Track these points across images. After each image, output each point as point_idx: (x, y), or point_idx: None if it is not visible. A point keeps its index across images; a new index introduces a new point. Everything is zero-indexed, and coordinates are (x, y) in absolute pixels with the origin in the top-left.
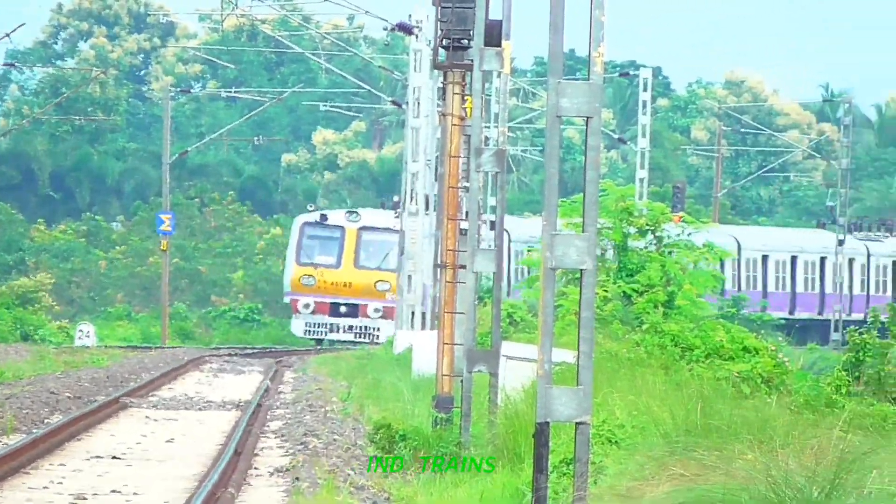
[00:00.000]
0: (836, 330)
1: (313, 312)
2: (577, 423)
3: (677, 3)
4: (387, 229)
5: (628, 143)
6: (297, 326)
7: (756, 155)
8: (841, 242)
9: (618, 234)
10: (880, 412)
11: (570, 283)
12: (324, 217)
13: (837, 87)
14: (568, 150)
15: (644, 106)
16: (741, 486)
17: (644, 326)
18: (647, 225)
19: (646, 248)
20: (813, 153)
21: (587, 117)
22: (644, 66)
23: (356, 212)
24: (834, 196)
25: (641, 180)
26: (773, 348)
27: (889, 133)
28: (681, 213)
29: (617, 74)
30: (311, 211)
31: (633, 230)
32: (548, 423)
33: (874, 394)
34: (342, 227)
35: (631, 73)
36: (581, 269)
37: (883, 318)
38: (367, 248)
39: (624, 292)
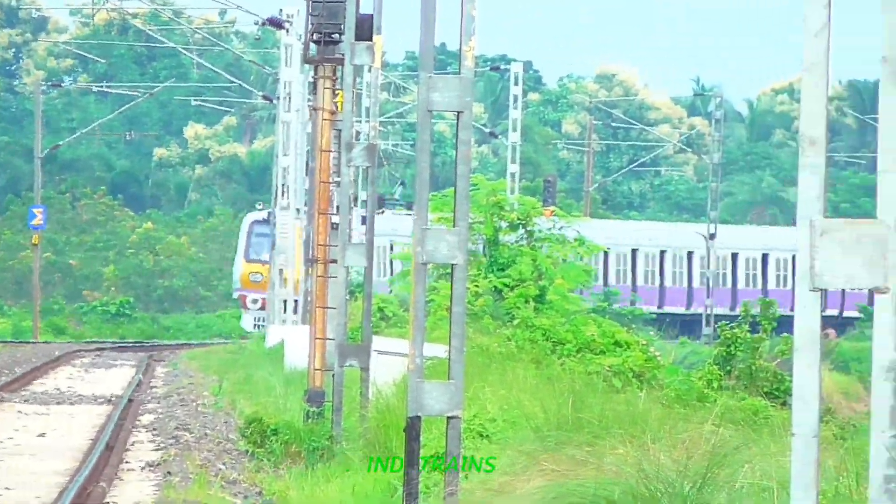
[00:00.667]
0: (707, 324)
1: (261, 308)
2: (448, 418)
3: None
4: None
5: (499, 137)
6: (247, 321)
7: (627, 149)
8: (712, 236)
9: (489, 228)
10: (751, 406)
11: (441, 277)
12: (271, 215)
13: (708, 81)
14: (439, 144)
15: (515, 100)
16: (612, 480)
17: (515, 321)
18: (519, 219)
19: (517, 242)
20: (684, 147)
21: (458, 112)
22: (515, 61)
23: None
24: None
25: (513, 174)
26: (645, 342)
27: (760, 127)
28: (552, 208)
29: (488, 69)
30: (259, 209)
31: (504, 225)
32: (419, 417)
33: (746, 388)
34: None
35: (502, 67)
36: (452, 264)
37: (754, 312)
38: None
39: (495, 287)
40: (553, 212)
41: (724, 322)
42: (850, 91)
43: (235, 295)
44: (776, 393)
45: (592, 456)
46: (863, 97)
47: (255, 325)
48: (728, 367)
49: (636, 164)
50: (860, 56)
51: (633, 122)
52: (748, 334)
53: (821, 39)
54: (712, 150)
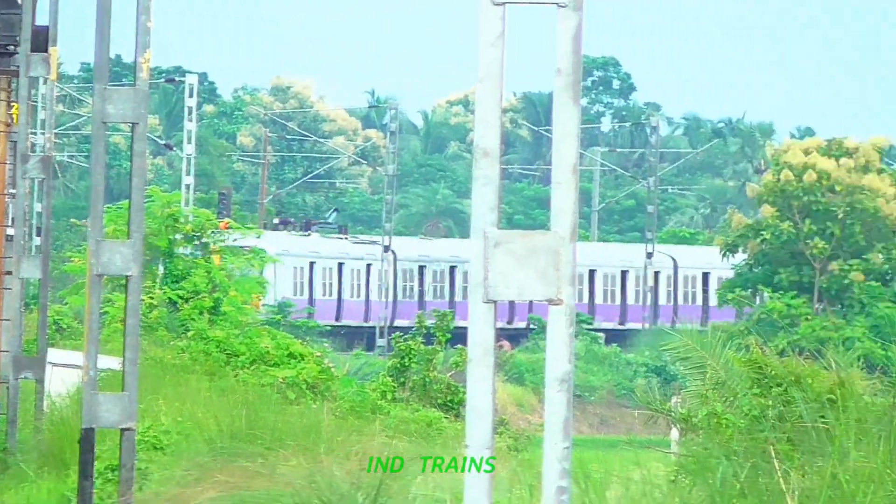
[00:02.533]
0: (381, 336)
1: None
2: (122, 429)
3: (222, 7)
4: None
5: (175, 149)
6: None
7: (302, 161)
8: (386, 249)
9: (164, 240)
10: (425, 418)
11: (115, 289)
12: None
13: (384, 93)
14: (114, 155)
15: (190, 112)
16: (285, 492)
17: (190, 333)
18: (194, 231)
19: (192, 254)
20: (359, 159)
21: (133, 123)
22: (190, 73)
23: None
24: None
25: (188, 186)
26: (319, 354)
27: (435, 139)
28: (227, 220)
29: (163, 81)
30: None
31: (179, 236)
32: (93, 429)
33: (420, 399)
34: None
35: (177, 79)
36: (127, 276)
37: (429, 323)
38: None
39: (170, 299)
40: (228, 224)
41: (398, 333)
42: (524, 103)
43: None
44: (450, 404)
45: (266, 468)
46: (537, 109)
47: None
48: (402, 379)
49: (311, 176)
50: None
51: (308, 134)
52: (423, 346)
53: (495, 50)
54: (387, 162)
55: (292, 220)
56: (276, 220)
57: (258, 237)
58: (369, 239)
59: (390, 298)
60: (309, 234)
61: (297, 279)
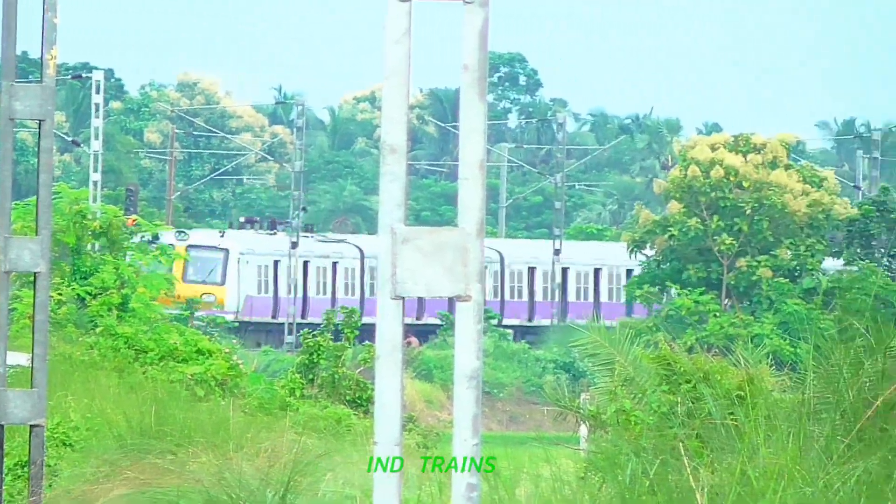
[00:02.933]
0: (290, 333)
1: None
2: (31, 426)
3: (129, 3)
4: (212, 247)
5: (82, 145)
6: None
7: (209, 157)
8: (294, 245)
9: (72, 237)
10: (334, 414)
11: (24, 286)
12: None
13: (290, 89)
14: (21, 152)
15: (97, 108)
16: (195, 489)
17: (98, 329)
18: (101, 228)
19: (100, 250)
20: (266, 156)
21: (40, 120)
22: (97, 69)
23: (185, 231)
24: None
25: (95, 183)
26: (228, 351)
27: (342, 135)
28: (134, 216)
29: (70, 77)
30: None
31: (87, 233)
32: (2, 425)
33: (329, 396)
34: (171, 245)
35: (84, 75)
36: (35, 273)
37: (338, 320)
38: (195, 264)
39: (78, 295)
40: (135, 220)
41: (307, 330)
42: (430, 99)
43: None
44: (359, 401)
45: (175, 464)
46: (443, 105)
47: None
48: (311, 376)
49: (218, 172)
50: (441, 64)
51: (215, 130)
52: (331, 342)
53: (401, 47)
54: (294, 159)
55: (258, 219)
56: (241, 219)
57: (222, 235)
58: (336, 238)
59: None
60: (275, 233)
61: (262, 277)
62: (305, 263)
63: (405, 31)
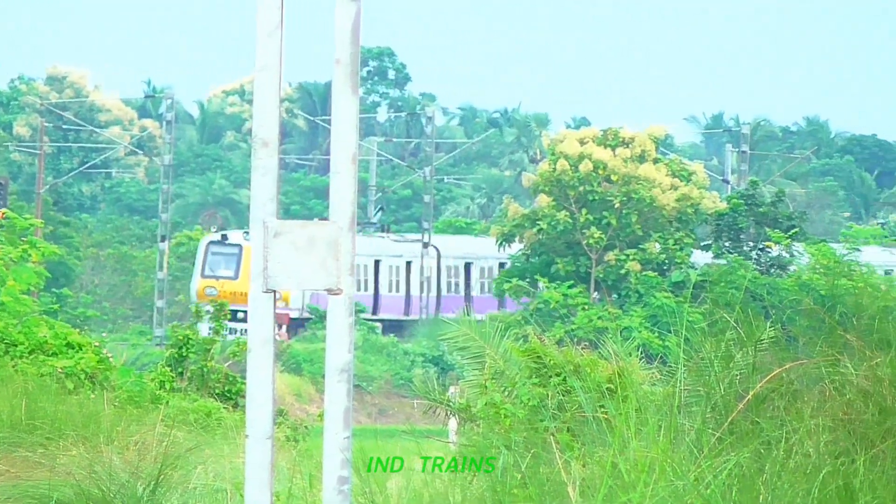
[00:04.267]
0: (160, 325)
1: None
2: None
3: None
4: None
5: None
6: (202, 330)
7: (78, 151)
8: (164, 238)
9: None
10: (204, 408)
11: None
12: (224, 237)
13: (160, 83)
14: None
15: None
16: (66, 482)
17: None
18: None
19: None
20: (135, 149)
21: None
22: None
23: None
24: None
25: None
26: (98, 344)
27: (211, 129)
28: (3, 210)
29: None
30: (214, 232)
31: None
32: None
33: (198, 389)
34: (240, 245)
35: None
36: None
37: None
38: None
39: None
40: (4, 214)
41: (176, 323)
42: (300, 93)
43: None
44: (229, 394)
45: (46, 458)
46: (314, 99)
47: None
48: (181, 369)
49: (87, 166)
50: (311, 58)
51: (84, 123)
52: (199, 335)
53: (273, 40)
54: (163, 152)
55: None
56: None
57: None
58: (413, 237)
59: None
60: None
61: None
62: (377, 262)
63: (277, 25)
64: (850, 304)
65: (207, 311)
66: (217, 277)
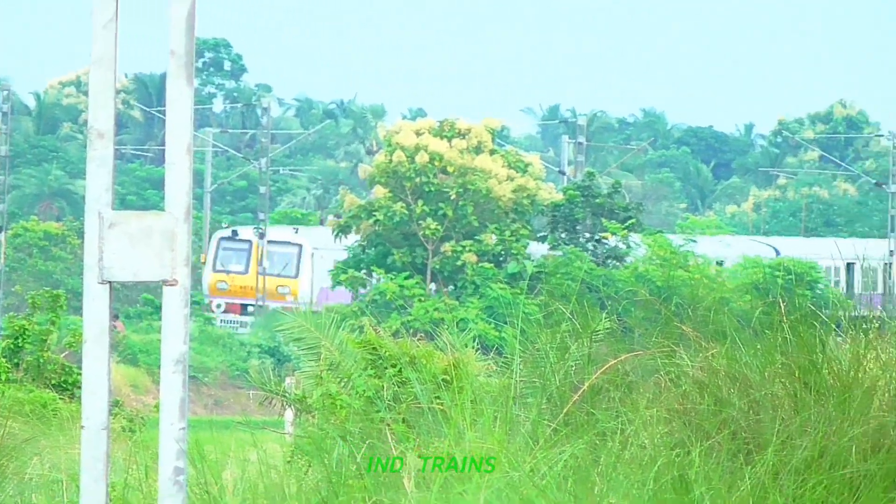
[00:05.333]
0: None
1: (225, 311)
2: None
3: None
4: (287, 242)
5: None
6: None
7: None
8: (0, 230)
9: None
10: (40, 398)
11: None
12: (235, 233)
13: None
14: None
15: None
16: None
17: None
18: None
19: None
20: None
21: None
22: None
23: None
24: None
25: None
26: None
27: (47, 120)
28: None
29: None
30: (225, 228)
31: None
32: None
33: (34, 380)
34: (250, 240)
35: None
36: None
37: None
38: (271, 258)
39: None
40: None
41: (12, 314)
42: (136, 84)
43: (206, 301)
44: (65, 385)
45: None
46: (149, 90)
47: (219, 327)
48: (16, 360)
49: None
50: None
51: None
52: (36, 326)
53: (109, 32)
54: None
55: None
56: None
57: (295, 231)
58: None
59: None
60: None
61: None
62: None
63: (112, 17)
64: (686, 295)
65: (44, 302)
66: (228, 272)
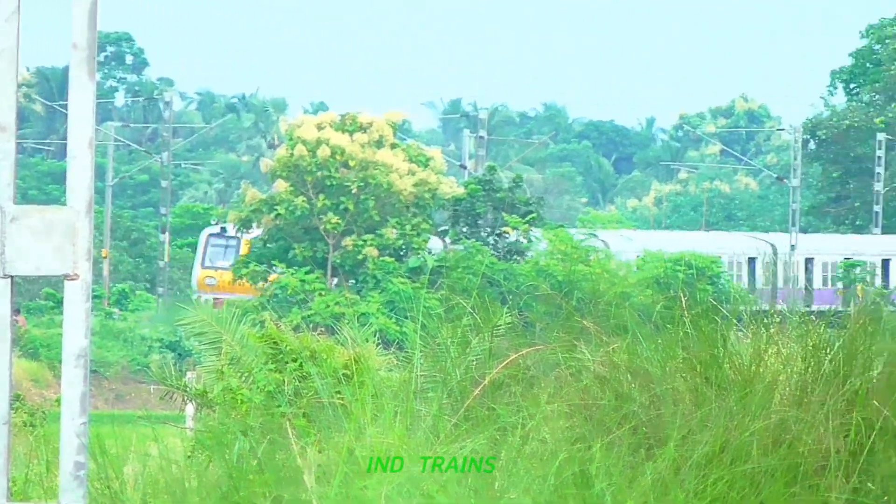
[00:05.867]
0: None
1: (213, 306)
2: None
3: None
4: None
5: None
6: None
7: None
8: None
9: None
10: None
11: None
12: (223, 230)
13: None
14: None
15: None
16: None
17: None
18: None
19: None
20: None
21: None
22: None
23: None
24: None
25: None
26: None
27: None
28: None
29: None
30: (214, 225)
31: None
32: None
33: None
34: (238, 237)
35: None
36: None
37: None
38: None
39: None
40: None
41: None
42: (38, 78)
43: (194, 296)
44: None
45: None
46: (51, 84)
47: None
48: None
49: None
50: (49, 42)
51: None
52: None
53: (11, 25)
54: None
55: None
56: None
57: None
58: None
59: None
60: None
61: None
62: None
63: (15, 10)
64: (587, 289)
65: None
66: (216, 268)
